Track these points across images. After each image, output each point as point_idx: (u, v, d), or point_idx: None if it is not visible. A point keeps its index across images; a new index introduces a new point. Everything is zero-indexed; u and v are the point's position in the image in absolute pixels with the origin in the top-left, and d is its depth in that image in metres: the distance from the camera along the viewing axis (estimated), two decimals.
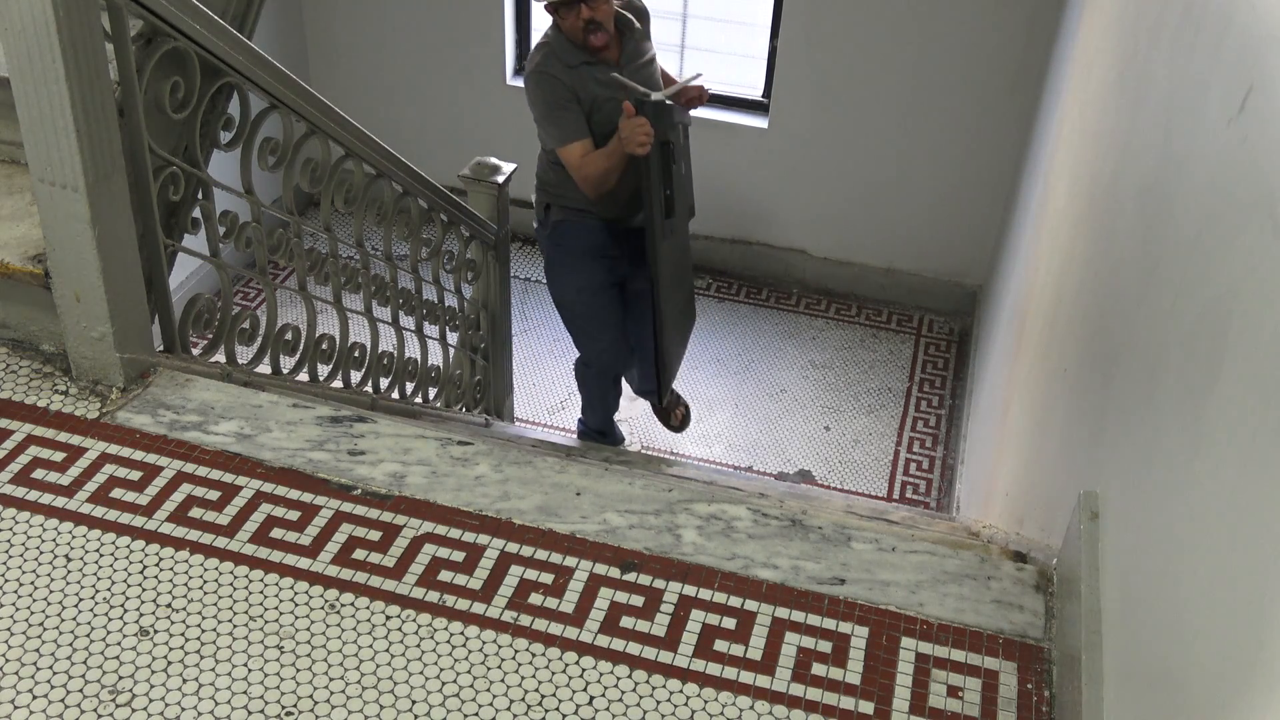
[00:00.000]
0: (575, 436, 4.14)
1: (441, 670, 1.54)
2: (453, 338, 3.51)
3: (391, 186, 2.82)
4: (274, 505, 1.78)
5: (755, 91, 5.04)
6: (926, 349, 5.02)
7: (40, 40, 1.71)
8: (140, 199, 1.99)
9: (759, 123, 5.00)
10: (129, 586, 1.63)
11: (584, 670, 1.55)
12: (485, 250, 3.49)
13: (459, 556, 1.71)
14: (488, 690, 1.51)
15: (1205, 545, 1.06)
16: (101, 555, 1.67)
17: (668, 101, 3.10)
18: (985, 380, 3.92)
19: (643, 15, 3.32)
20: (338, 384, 2.69)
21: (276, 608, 1.61)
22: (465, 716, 1.48)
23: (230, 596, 1.62)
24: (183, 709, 1.47)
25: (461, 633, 1.59)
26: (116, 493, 1.78)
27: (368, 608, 1.62)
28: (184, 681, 1.50)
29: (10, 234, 2.06)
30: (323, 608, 1.62)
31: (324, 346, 2.58)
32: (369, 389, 2.85)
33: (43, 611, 1.59)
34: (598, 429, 4.03)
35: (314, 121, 2.39)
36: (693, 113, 3.41)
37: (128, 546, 1.69)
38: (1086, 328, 1.91)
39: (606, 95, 3.13)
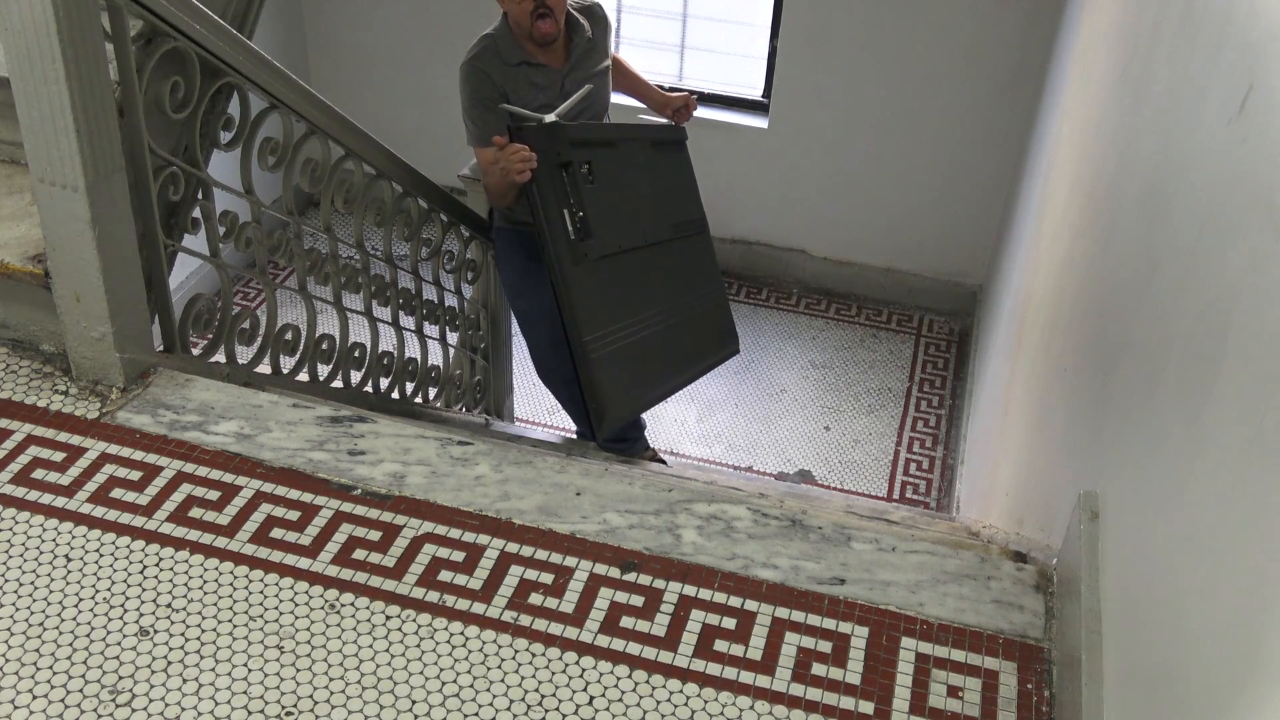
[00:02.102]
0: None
1: (441, 670, 1.54)
2: (453, 338, 3.51)
3: (391, 186, 2.82)
4: (274, 505, 1.78)
5: (755, 91, 5.04)
6: (926, 349, 5.02)
7: (40, 40, 1.71)
8: (140, 199, 1.99)
9: (759, 123, 5.00)
10: (129, 586, 1.63)
11: (584, 670, 1.55)
12: (485, 250, 3.49)
13: (459, 556, 1.71)
14: (488, 690, 1.51)
15: (1205, 545, 1.06)
16: (101, 555, 1.67)
17: (562, 121, 2.88)
18: (985, 380, 3.92)
19: (600, 23, 3.15)
20: (338, 384, 2.69)
21: (276, 608, 1.61)
22: (465, 716, 1.48)
23: (230, 596, 1.62)
24: (183, 709, 1.47)
25: (461, 633, 1.59)
26: (116, 493, 1.78)
27: (368, 608, 1.62)
28: (184, 681, 1.50)
29: (10, 234, 2.06)
30: (323, 608, 1.62)
31: (324, 346, 2.58)
32: (369, 389, 2.85)
33: (43, 611, 1.59)
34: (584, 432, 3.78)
35: (314, 121, 2.39)
36: (694, 113, 3.37)
37: (128, 546, 1.69)
38: (1086, 327, 1.91)
39: (541, 101, 2.97)
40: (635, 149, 3.13)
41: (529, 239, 3.16)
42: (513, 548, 1.73)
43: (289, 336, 2.45)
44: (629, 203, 3.08)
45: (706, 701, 1.51)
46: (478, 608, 1.63)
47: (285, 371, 2.44)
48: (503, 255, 3.30)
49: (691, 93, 3.36)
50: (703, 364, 3.50)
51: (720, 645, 1.59)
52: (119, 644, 1.55)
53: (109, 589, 1.62)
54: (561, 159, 2.84)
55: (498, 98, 2.95)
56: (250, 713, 1.47)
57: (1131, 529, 1.35)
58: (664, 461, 3.78)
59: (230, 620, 1.59)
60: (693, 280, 3.46)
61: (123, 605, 1.60)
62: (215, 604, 1.61)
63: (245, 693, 1.49)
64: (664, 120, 3.34)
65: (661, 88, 3.36)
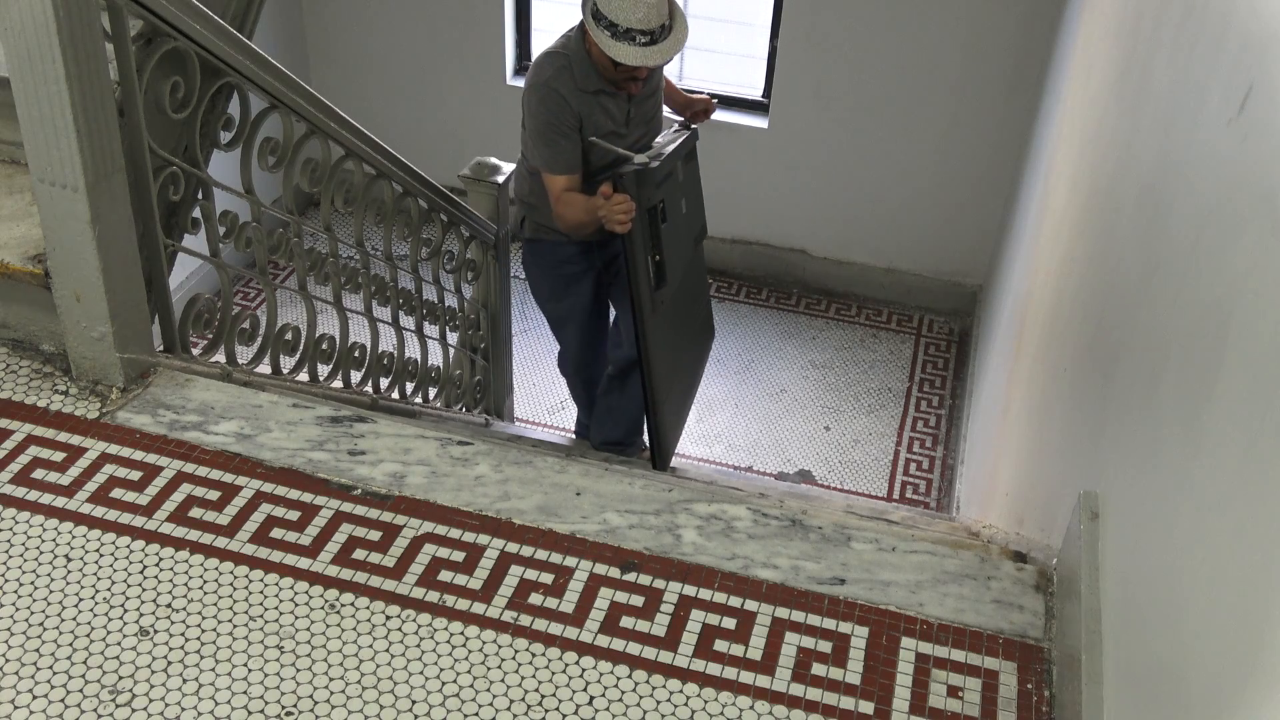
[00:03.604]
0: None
1: (441, 670, 1.54)
2: (453, 338, 3.51)
3: (391, 186, 2.82)
4: (274, 505, 1.78)
5: (755, 91, 5.04)
6: (926, 349, 5.02)
7: (40, 40, 1.71)
8: (140, 199, 1.99)
9: (759, 123, 5.00)
10: (129, 586, 1.63)
11: (584, 670, 1.55)
12: (485, 250, 3.49)
13: (459, 556, 1.71)
14: (488, 690, 1.51)
15: (1205, 545, 1.06)
16: (101, 555, 1.67)
17: (652, 163, 2.85)
18: (985, 380, 3.92)
19: None
20: (338, 384, 2.69)
21: (276, 608, 1.61)
22: (465, 716, 1.48)
23: (230, 596, 1.62)
24: (183, 709, 1.47)
25: (461, 633, 1.59)
26: (116, 493, 1.78)
27: (368, 608, 1.62)
28: (184, 681, 1.50)
29: (10, 234, 2.06)
30: (323, 608, 1.62)
31: (324, 346, 2.58)
32: (369, 389, 2.85)
33: (43, 611, 1.59)
34: (581, 431, 3.86)
35: (314, 122, 2.39)
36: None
37: (128, 546, 1.69)
38: (1086, 328, 1.91)
39: (609, 128, 2.95)
40: (678, 170, 3.09)
41: (561, 247, 3.23)
42: (513, 548, 1.73)
43: (289, 336, 2.45)
44: (679, 233, 3.08)
45: (706, 701, 1.51)
46: (478, 608, 1.63)
47: (285, 371, 2.44)
48: (539, 263, 3.32)
49: (712, 96, 3.34)
50: (702, 368, 3.60)
51: (720, 645, 1.59)
52: (119, 644, 1.55)
53: (109, 589, 1.62)
54: (650, 203, 2.82)
55: (573, 125, 2.91)
56: (250, 713, 1.47)
57: (1131, 529, 1.35)
58: None
59: (230, 620, 1.59)
60: (701, 293, 3.52)
61: (123, 605, 1.60)
62: (215, 604, 1.61)
63: (245, 693, 1.49)
64: (679, 119, 3.30)
65: (691, 92, 3.34)
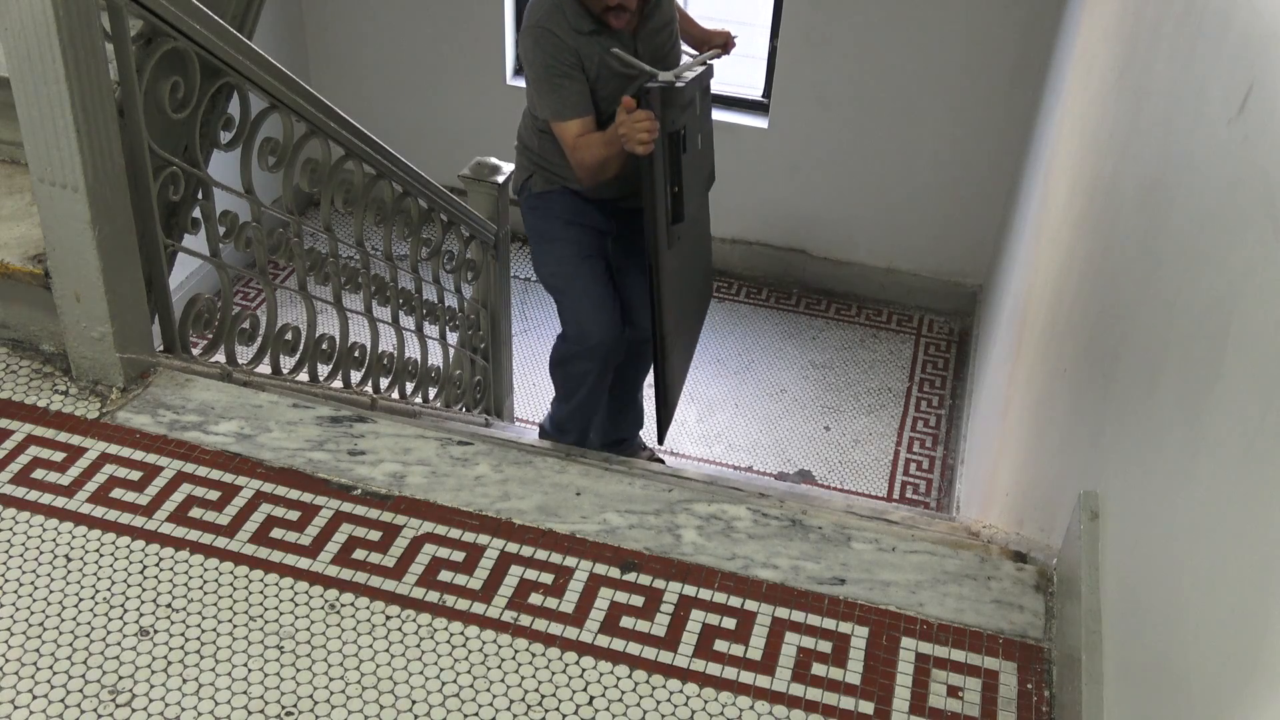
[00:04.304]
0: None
1: (441, 670, 1.54)
2: (453, 338, 3.50)
3: (391, 186, 2.82)
4: (274, 505, 1.78)
5: (755, 91, 5.04)
6: (926, 349, 5.02)
7: (40, 40, 1.71)
8: (140, 199, 1.99)
9: (759, 123, 5.00)
10: (129, 586, 1.63)
11: (584, 670, 1.55)
12: (485, 250, 3.49)
13: (459, 556, 1.71)
14: (488, 690, 1.51)
15: (1205, 545, 1.06)
16: (101, 555, 1.67)
17: (678, 82, 2.62)
18: (985, 380, 3.92)
19: None
20: (338, 384, 2.69)
21: (276, 608, 1.61)
22: (465, 716, 1.48)
23: (230, 596, 1.62)
24: (183, 709, 1.47)
25: (461, 633, 1.59)
26: (116, 493, 1.78)
27: (368, 608, 1.62)
28: (184, 681, 1.50)
29: (10, 234, 2.06)
30: (323, 608, 1.62)
31: (324, 346, 2.58)
32: (369, 389, 2.85)
33: (43, 611, 1.59)
34: (558, 426, 3.40)
35: (314, 122, 2.39)
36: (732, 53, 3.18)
37: (128, 546, 1.69)
38: (1086, 327, 1.91)
39: (616, 68, 2.71)
40: (697, 100, 2.86)
41: (577, 198, 2.97)
42: (513, 548, 1.73)
43: (289, 336, 2.45)
44: (694, 169, 2.85)
45: (706, 701, 1.51)
46: (478, 608, 1.63)
47: (285, 371, 2.44)
48: (548, 213, 3.01)
49: (731, 33, 3.13)
50: (700, 327, 3.28)
51: (720, 645, 1.59)
52: (119, 644, 1.55)
53: (109, 589, 1.62)
54: (673, 127, 2.59)
55: (574, 64, 2.69)
56: (250, 713, 1.47)
57: (1131, 529, 1.35)
58: (662, 461, 3.69)
59: (230, 620, 1.59)
60: (705, 245, 3.24)
61: (123, 605, 1.60)
62: (215, 604, 1.61)
63: (245, 693, 1.49)
64: (693, 53, 3.10)
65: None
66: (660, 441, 3.12)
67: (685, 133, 2.69)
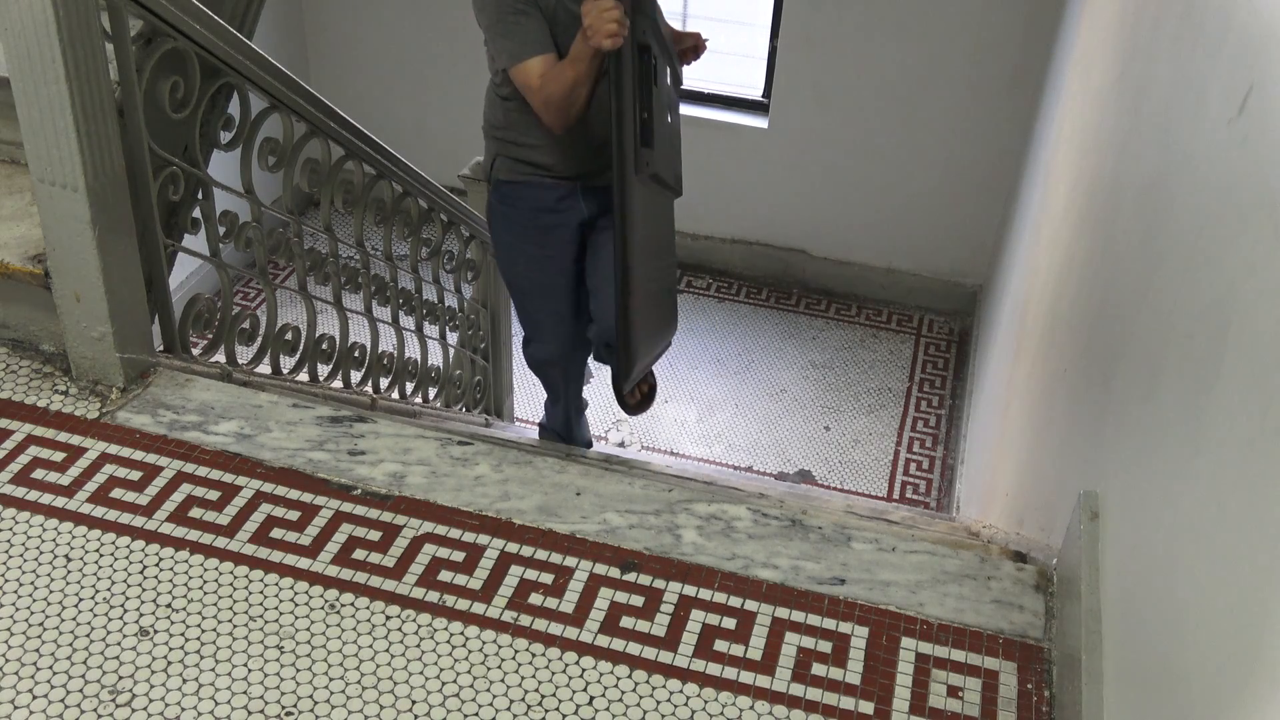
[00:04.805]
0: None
1: (441, 670, 1.54)
2: (453, 338, 3.51)
3: (391, 186, 2.82)
4: (274, 505, 1.78)
5: (755, 91, 5.04)
6: (926, 349, 5.02)
7: (40, 40, 1.71)
8: (140, 199, 1.99)
9: (759, 123, 5.00)
10: (129, 586, 1.63)
11: (584, 670, 1.55)
12: (485, 250, 3.49)
13: (459, 556, 1.71)
14: (488, 690, 1.51)
15: (1205, 545, 1.06)
16: (101, 555, 1.67)
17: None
18: (985, 380, 3.92)
19: None
20: (338, 384, 2.69)
21: (276, 608, 1.61)
22: (465, 716, 1.48)
23: (230, 596, 1.62)
24: (183, 709, 1.47)
25: (461, 633, 1.59)
26: (116, 493, 1.78)
27: (368, 608, 1.62)
28: (184, 681, 1.50)
29: (10, 234, 2.06)
30: (323, 608, 1.62)
31: (324, 346, 2.58)
32: (369, 389, 2.85)
33: (43, 611, 1.59)
34: (554, 428, 3.46)
35: (314, 122, 2.39)
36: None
37: (128, 546, 1.69)
38: (1086, 328, 1.91)
39: (574, 8, 2.50)
40: (670, 69, 2.72)
41: (540, 190, 2.80)
42: (513, 548, 1.73)
43: (289, 336, 2.45)
44: (667, 129, 2.73)
45: (706, 701, 1.51)
46: (478, 608, 1.63)
47: (285, 371, 2.44)
48: (511, 211, 2.84)
49: (702, 35, 2.99)
50: (665, 337, 3.09)
51: (720, 645, 1.59)
52: (119, 644, 1.55)
53: (109, 589, 1.62)
54: (642, 40, 2.46)
55: (528, 1, 2.55)
56: (250, 713, 1.47)
57: (1131, 529, 1.35)
58: (651, 382, 3.37)
59: (230, 620, 1.59)
60: (671, 242, 3.08)
61: (123, 605, 1.60)
62: (215, 604, 1.61)
63: (245, 693, 1.49)
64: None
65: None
66: (618, 392, 2.92)
67: (655, 60, 2.57)
